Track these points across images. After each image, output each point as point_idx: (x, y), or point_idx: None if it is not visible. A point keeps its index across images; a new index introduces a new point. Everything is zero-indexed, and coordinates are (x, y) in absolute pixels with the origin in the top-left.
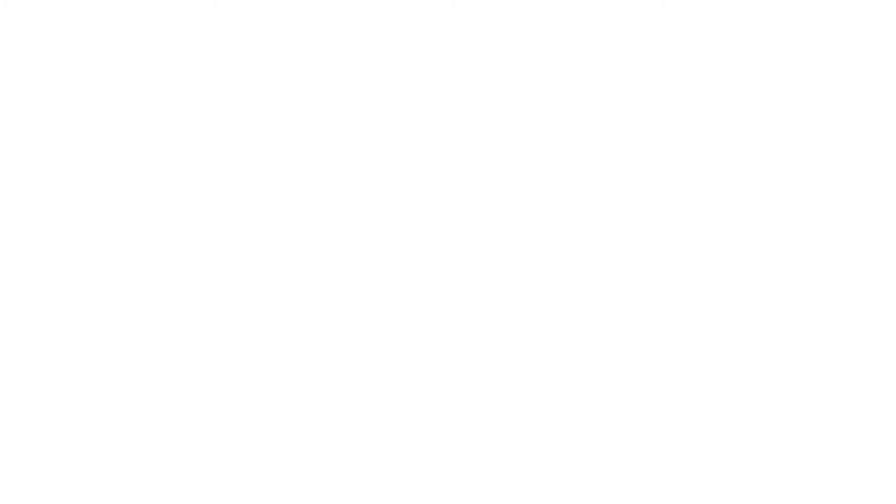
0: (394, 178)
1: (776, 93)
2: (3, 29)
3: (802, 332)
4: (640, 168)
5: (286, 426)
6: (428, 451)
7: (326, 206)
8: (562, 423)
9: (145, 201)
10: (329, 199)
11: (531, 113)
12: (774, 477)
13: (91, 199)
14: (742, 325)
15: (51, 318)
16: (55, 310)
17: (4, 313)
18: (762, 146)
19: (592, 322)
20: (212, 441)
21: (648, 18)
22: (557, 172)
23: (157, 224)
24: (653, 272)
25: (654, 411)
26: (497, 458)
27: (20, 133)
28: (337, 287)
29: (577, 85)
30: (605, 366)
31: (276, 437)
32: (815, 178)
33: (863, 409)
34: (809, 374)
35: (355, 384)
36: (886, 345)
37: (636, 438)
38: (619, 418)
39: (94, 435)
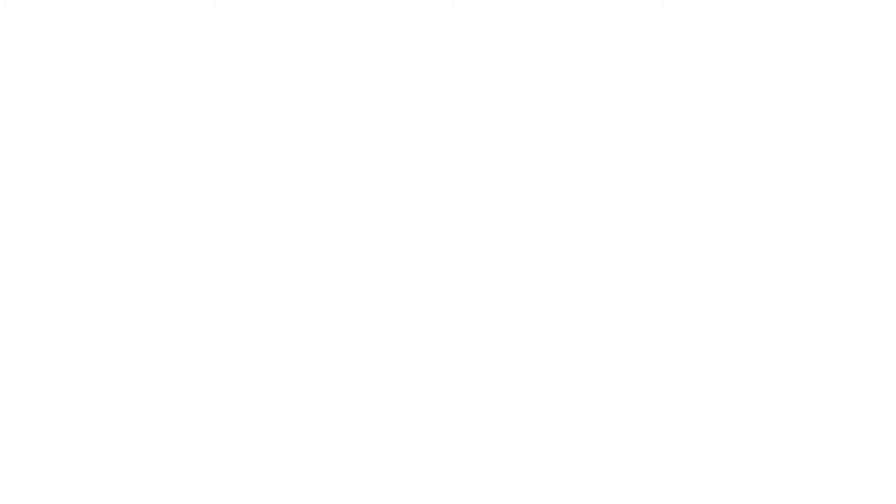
0: (394, 177)
1: (776, 93)
2: (3, 29)
3: (802, 332)
4: (640, 168)
5: (286, 426)
6: (428, 452)
7: (326, 205)
8: (562, 423)
9: (145, 201)
10: (329, 198)
11: (531, 113)
12: (774, 477)
13: (91, 198)
14: (742, 325)
15: (51, 318)
16: (55, 310)
17: (4, 313)
18: (762, 146)
19: (592, 322)
20: (212, 441)
21: (648, 18)
22: (557, 172)
23: (157, 224)
24: (653, 272)
25: (654, 411)
26: (497, 459)
27: (20, 133)
28: (337, 287)
29: (577, 85)
30: (605, 366)
31: (276, 437)
32: (816, 178)
33: (863, 410)
34: (809, 374)
35: (355, 384)
36: (886, 345)
37: (636, 438)
38: (619, 418)
39: (94, 435)
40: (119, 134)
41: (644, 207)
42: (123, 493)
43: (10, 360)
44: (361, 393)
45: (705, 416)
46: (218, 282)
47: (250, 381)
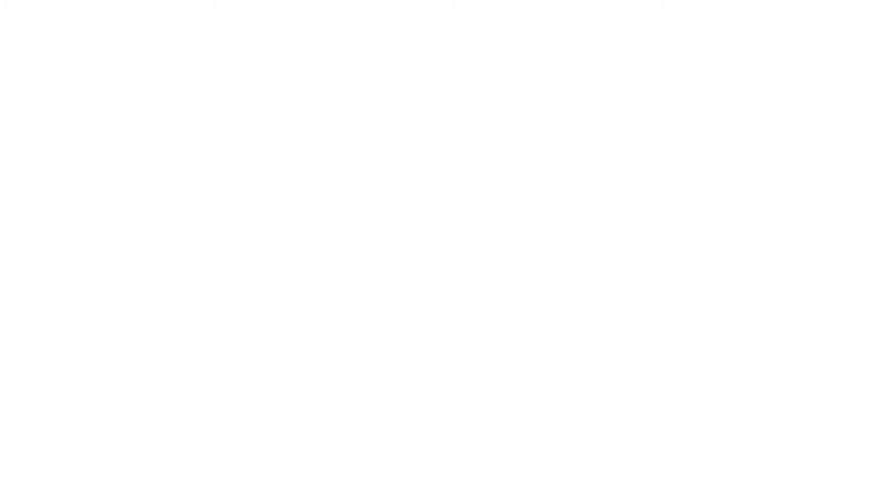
0: (394, 177)
1: (776, 93)
2: (3, 29)
3: (802, 333)
4: (640, 168)
5: (286, 426)
6: (428, 452)
7: (326, 205)
8: (562, 423)
9: (145, 201)
10: (329, 198)
11: (531, 113)
12: (774, 477)
13: (91, 198)
14: (742, 325)
15: (51, 318)
16: (55, 310)
17: (4, 313)
18: (762, 146)
19: (592, 322)
20: (212, 441)
21: (648, 18)
22: (557, 172)
23: (157, 224)
24: (653, 272)
25: (654, 411)
26: (497, 459)
27: (20, 133)
28: (337, 287)
29: (577, 85)
30: (605, 366)
31: (276, 437)
32: (816, 178)
33: (863, 410)
34: (809, 374)
35: (355, 384)
36: (886, 345)
37: (636, 438)
38: (619, 418)
39: (94, 435)
40: (119, 134)
41: (644, 207)
42: (123, 493)
43: (10, 360)
44: (361, 393)
45: (705, 416)
46: (218, 281)
47: (250, 381)
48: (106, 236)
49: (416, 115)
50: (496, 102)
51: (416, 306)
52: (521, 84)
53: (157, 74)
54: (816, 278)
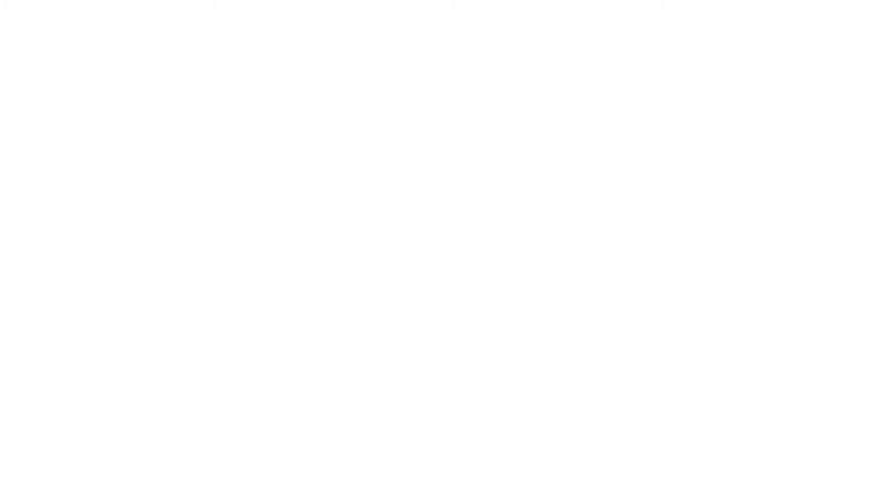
0: (394, 177)
1: (776, 93)
2: (3, 29)
3: (802, 333)
4: (640, 168)
5: (286, 426)
6: (428, 452)
7: (326, 205)
8: (562, 423)
9: (145, 201)
10: (329, 198)
11: (531, 113)
12: (774, 477)
13: (91, 198)
14: (742, 325)
15: (51, 318)
16: (55, 310)
17: (4, 313)
18: (762, 146)
19: (592, 322)
20: (212, 441)
21: (648, 18)
22: (557, 172)
23: (157, 224)
24: (653, 272)
25: (654, 411)
26: (497, 459)
27: (20, 133)
28: (337, 287)
29: (577, 85)
30: (605, 366)
31: (276, 437)
32: (816, 178)
33: (863, 410)
34: (809, 374)
35: (355, 384)
36: (886, 345)
37: (636, 438)
38: (619, 418)
39: (94, 435)
40: (119, 134)
41: (644, 207)
42: (123, 493)
43: (10, 360)
44: (361, 393)
45: (705, 416)
46: (218, 281)
47: (250, 381)
48: (106, 236)
49: (416, 114)
50: (496, 102)
51: (417, 306)
52: (521, 84)
53: (157, 74)
54: (816, 278)
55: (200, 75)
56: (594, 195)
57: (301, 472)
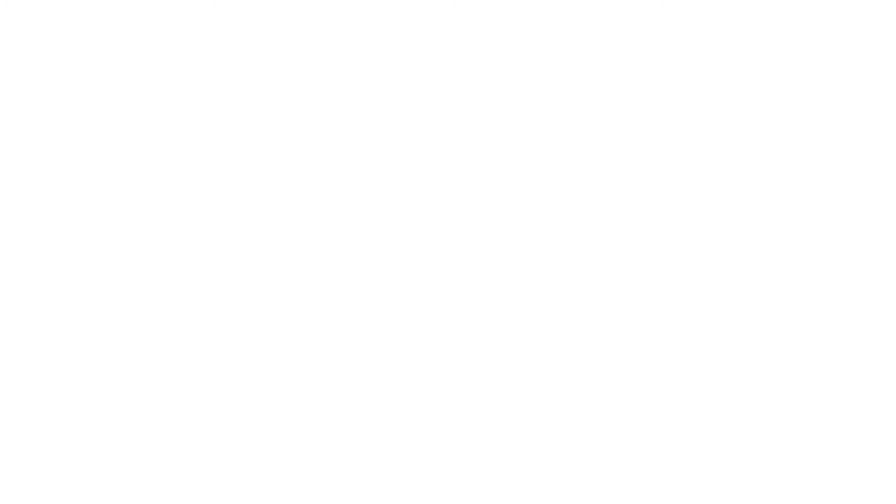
0: (394, 177)
1: (776, 93)
2: (3, 29)
3: (802, 333)
4: (640, 168)
5: (286, 426)
6: (428, 452)
7: (326, 205)
8: (562, 423)
9: (145, 201)
10: (329, 198)
11: (531, 113)
12: (774, 477)
13: (91, 198)
14: (742, 325)
15: (51, 318)
16: (55, 310)
17: (4, 313)
18: (762, 146)
19: (592, 322)
20: (212, 441)
21: (648, 18)
22: (557, 172)
23: (157, 224)
24: (653, 272)
25: (654, 411)
26: (497, 459)
27: (20, 133)
28: (337, 287)
29: (577, 85)
30: (605, 366)
31: (276, 437)
32: (816, 178)
33: (863, 410)
34: (809, 374)
35: (355, 384)
36: (886, 345)
37: (636, 438)
38: (619, 418)
39: (94, 435)
40: (119, 134)
41: (644, 207)
42: (123, 493)
43: (10, 360)
44: (361, 393)
45: (705, 416)
46: (218, 281)
47: (250, 381)
48: (106, 236)
49: (416, 114)
50: (496, 102)
51: (417, 306)
52: (521, 84)
53: (157, 74)
54: (816, 278)
55: (200, 75)
56: (594, 195)
57: (301, 472)
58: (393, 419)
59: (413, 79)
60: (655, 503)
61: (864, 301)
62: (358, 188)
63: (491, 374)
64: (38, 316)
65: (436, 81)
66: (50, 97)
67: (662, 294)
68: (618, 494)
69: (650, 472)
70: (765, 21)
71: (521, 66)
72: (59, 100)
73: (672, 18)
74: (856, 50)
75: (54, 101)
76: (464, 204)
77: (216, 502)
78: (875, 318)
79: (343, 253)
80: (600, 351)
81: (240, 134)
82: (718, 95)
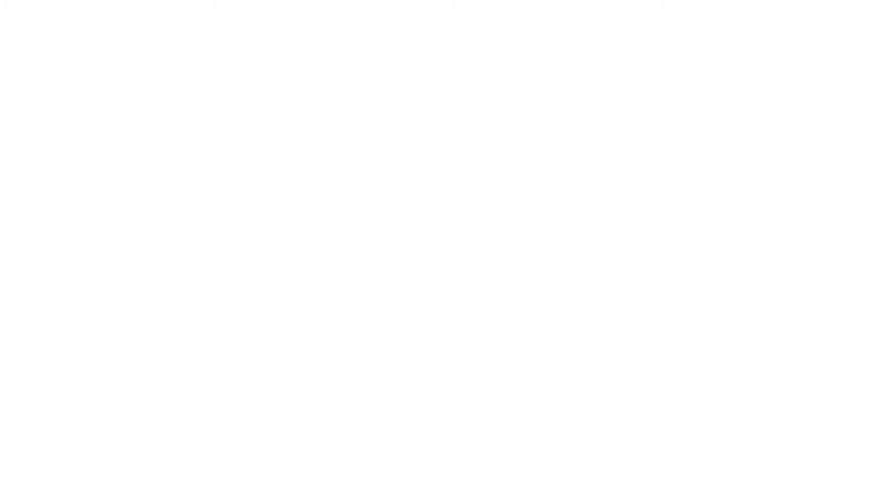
0: (394, 177)
1: (776, 93)
2: (3, 29)
3: (802, 333)
4: (640, 168)
5: (286, 426)
6: (428, 452)
7: (326, 205)
8: (562, 423)
9: (145, 201)
10: (329, 198)
11: (531, 113)
12: (774, 477)
13: (91, 199)
14: (742, 325)
15: (51, 318)
16: (55, 310)
17: (4, 313)
18: (762, 146)
19: (592, 322)
20: (212, 441)
21: (648, 18)
22: (557, 172)
23: (157, 224)
24: (653, 272)
25: (654, 411)
26: (497, 459)
27: (20, 133)
28: (337, 287)
29: (577, 85)
30: (605, 366)
31: (276, 437)
32: (816, 178)
33: (863, 410)
34: (809, 374)
35: (355, 384)
36: (886, 345)
37: (636, 438)
38: (619, 418)
39: (94, 435)
40: (119, 134)
41: (644, 207)
42: (123, 493)
43: (10, 360)
44: (361, 393)
45: (705, 416)
46: (218, 281)
47: (250, 381)
48: (106, 236)
49: (416, 114)
50: (496, 102)
51: (417, 306)
52: (521, 84)
53: (157, 74)
54: (816, 278)
55: (200, 75)
56: (594, 195)
57: (301, 472)
58: (393, 419)
59: (413, 79)
60: (655, 503)
61: (864, 301)
62: (358, 188)
63: (491, 373)
64: (39, 316)
65: (436, 81)
66: (50, 97)
67: (662, 294)
68: (618, 494)
69: (650, 472)
70: (765, 21)
71: (521, 66)
72: (59, 100)
73: (672, 18)
74: (856, 50)
75: (54, 101)
76: (464, 204)
77: (216, 502)
78: (875, 318)
79: (343, 252)
80: (600, 351)
81: (240, 134)
82: (718, 95)
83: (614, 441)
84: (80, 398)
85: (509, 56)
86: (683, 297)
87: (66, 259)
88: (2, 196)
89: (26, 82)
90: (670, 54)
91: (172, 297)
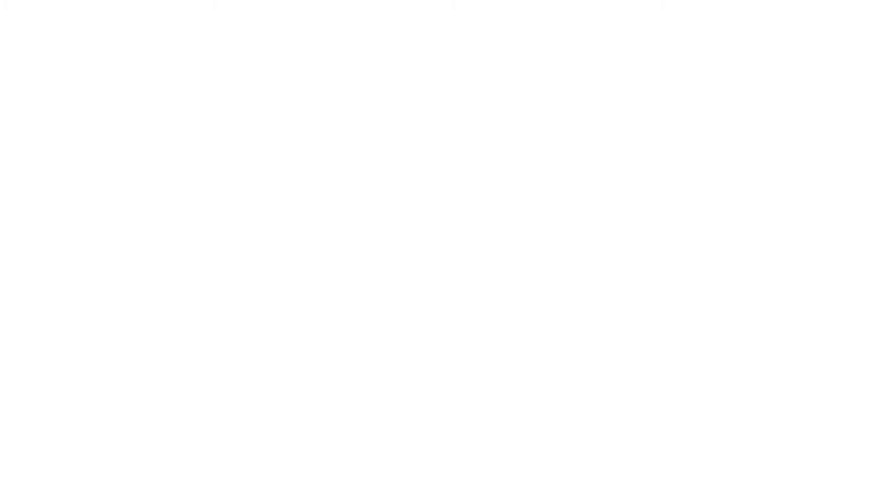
0: (394, 177)
1: (776, 93)
2: (3, 29)
3: (802, 333)
4: (640, 168)
5: (286, 426)
6: (428, 452)
7: (326, 205)
8: (562, 423)
9: (145, 201)
10: (329, 198)
11: (531, 113)
12: (774, 477)
13: (91, 199)
14: (742, 325)
15: (51, 318)
16: (55, 310)
17: (4, 313)
18: (762, 146)
19: (592, 322)
20: (212, 441)
21: (648, 18)
22: (557, 172)
23: (157, 224)
24: (653, 272)
25: (654, 411)
26: (497, 459)
27: (20, 133)
28: (337, 287)
29: (577, 85)
30: (605, 366)
31: (276, 437)
32: (815, 178)
33: (863, 410)
34: (809, 374)
35: (355, 384)
36: (886, 345)
37: (636, 439)
38: (619, 418)
39: (94, 435)
40: (119, 134)
41: (644, 207)
42: (123, 493)
43: (10, 361)
44: (361, 393)
45: (705, 416)
46: (218, 282)
47: (250, 381)
48: (106, 236)
49: (416, 114)
50: (496, 102)
51: (417, 306)
52: (521, 84)
53: (157, 74)
54: (816, 278)
55: (200, 75)
56: (594, 195)
57: (301, 472)
58: (393, 419)
59: (413, 79)
60: (655, 503)
61: (864, 301)
62: (358, 188)
63: (490, 373)
64: (38, 316)
65: (436, 81)
66: (50, 97)
67: (662, 294)
68: (618, 494)
69: (650, 472)
70: (765, 21)
71: (521, 66)
72: (59, 100)
73: (672, 18)
74: (856, 50)
75: (54, 101)
76: (464, 203)
77: (216, 502)
78: (875, 318)
79: (343, 252)
80: (600, 351)
81: (240, 133)
82: (718, 95)
83: (614, 441)
84: (80, 398)
85: (509, 56)
86: (683, 297)
87: (65, 258)
88: (2, 196)
89: (26, 82)
90: (670, 54)
91: (172, 297)
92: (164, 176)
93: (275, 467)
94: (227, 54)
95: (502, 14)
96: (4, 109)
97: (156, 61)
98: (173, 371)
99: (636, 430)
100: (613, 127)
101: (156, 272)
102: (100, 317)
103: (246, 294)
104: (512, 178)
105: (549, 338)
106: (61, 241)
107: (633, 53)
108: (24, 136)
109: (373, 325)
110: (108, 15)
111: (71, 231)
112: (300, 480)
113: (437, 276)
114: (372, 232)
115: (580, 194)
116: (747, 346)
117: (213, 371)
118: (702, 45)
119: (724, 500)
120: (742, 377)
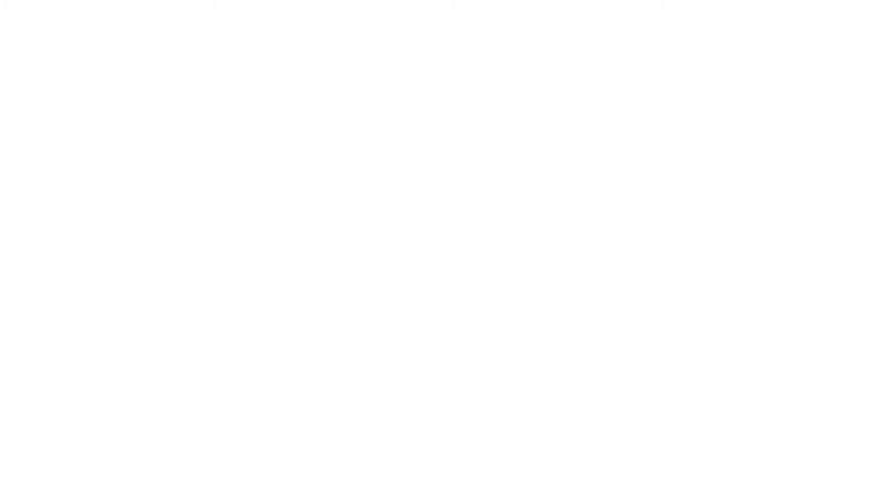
0: (394, 177)
1: (776, 93)
2: (3, 29)
3: (802, 333)
4: (640, 168)
5: (286, 426)
6: (428, 452)
7: (326, 205)
8: (562, 423)
9: (145, 201)
10: (329, 199)
11: (531, 113)
12: (774, 477)
13: (91, 199)
14: (742, 325)
15: (51, 318)
16: (55, 310)
17: (4, 313)
18: (762, 146)
19: (592, 322)
20: (212, 441)
21: (648, 18)
22: (557, 172)
23: (157, 224)
24: (653, 272)
25: (654, 411)
26: (497, 459)
27: (20, 133)
28: (337, 287)
29: (577, 85)
30: (605, 366)
31: (276, 437)
32: (815, 178)
33: (863, 410)
34: (809, 374)
35: (355, 384)
36: (886, 345)
37: (636, 439)
38: (619, 418)
39: (94, 435)
40: (119, 134)
41: (644, 207)
42: (123, 493)
43: (10, 361)
44: (361, 393)
45: (705, 416)
46: (218, 282)
47: (250, 381)
48: (106, 236)
49: (416, 114)
50: (496, 102)
51: (417, 306)
52: (521, 84)
53: (157, 74)
54: (816, 278)
55: (200, 75)
56: (594, 195)
57: (301, 472)
58: (393, 419)
59: (413, 79)
60: (655, 503)
61: (864, 301)
62: (357, 188)
63: (490, 373)
64: (38, 316)
65: (436, 81)
66: (50, 97)
67: (662, 293)
68: (618, 494)
69: (650, 472)
70: (765, 21)
71: (521, 66)
72: (59, 100)
73: (672, 18)
74: (856, 50)
75: (54, 101)
76: (464, 203)
77: (216, 502)
78: (875, 318)
79: (343, 252)
80: (600, 351)
81: (240, 133)
82: (718, 95)
83: (614, 441)
84: (80, 398)
85: (509, 56)
86: (683, 297)
87: (65, 258)
88: (2, 195)
89: (26, 82)
90: (670, 54)
91: (172, 296)
92: (164, 176)
93: (275, 467)
94: (227, 54)
95: (502, 14)
96: (4, 109)
97: (156, 61)
98: (173, 371)
99: (636, 431)
100: (613, 127)
101: (156, 271)
102: (100, 317)
103: (246, 293)
104: (512, 177)
105: (549, 338)
106: (61, 240)
107: (633, 53)
108: (25, 135)
109: (373, 325)
110: (108, 15)
111: (71, 231)
112: (300, 480)
113: (437, 275)
114: (372, 231)
115: (580, 194)
116: (747, 346)
117: (214, 371)
118: (702, 45)
119: (724, 500)
120: (742, 377)
